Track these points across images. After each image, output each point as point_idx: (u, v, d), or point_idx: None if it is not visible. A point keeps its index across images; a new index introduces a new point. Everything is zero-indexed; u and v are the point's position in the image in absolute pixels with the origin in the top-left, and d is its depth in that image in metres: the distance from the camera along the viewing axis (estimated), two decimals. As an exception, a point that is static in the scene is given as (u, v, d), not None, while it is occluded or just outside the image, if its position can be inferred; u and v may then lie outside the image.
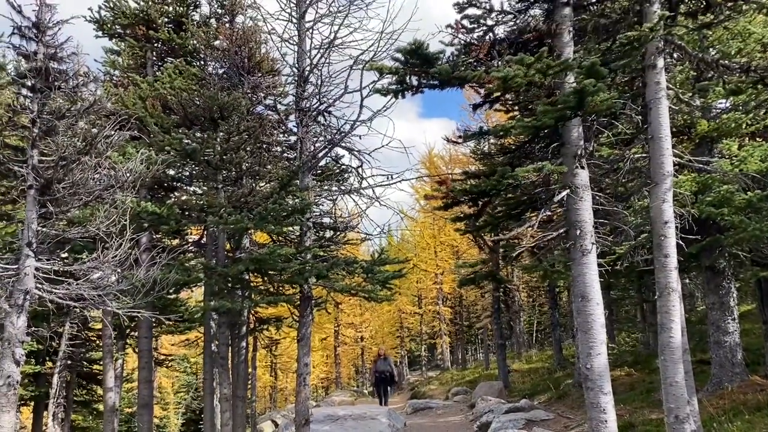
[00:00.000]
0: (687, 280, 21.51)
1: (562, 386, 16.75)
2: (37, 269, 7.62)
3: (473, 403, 17.76)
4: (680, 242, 8.25)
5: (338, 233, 11.28)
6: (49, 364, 20.43)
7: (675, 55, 8.85)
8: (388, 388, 19.50)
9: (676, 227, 8.07)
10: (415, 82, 7.52)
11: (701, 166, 9.56)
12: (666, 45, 7.88)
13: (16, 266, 7.56)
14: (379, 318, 36.53)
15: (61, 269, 7.84)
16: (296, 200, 10.24)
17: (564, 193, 7.45)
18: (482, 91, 7.80)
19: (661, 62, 7.70)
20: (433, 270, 32.34)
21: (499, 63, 7.47)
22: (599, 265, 7.67)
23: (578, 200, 7.43)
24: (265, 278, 11.46)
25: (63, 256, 9.20)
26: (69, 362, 19.14)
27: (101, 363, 16.30)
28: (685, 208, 8.89)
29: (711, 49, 12.11)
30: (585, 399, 7.43)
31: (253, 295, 12.02)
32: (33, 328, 8.32)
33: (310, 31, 10.79)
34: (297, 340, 10.36)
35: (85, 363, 21.68)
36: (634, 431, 10.66)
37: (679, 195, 9.15)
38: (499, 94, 7.62)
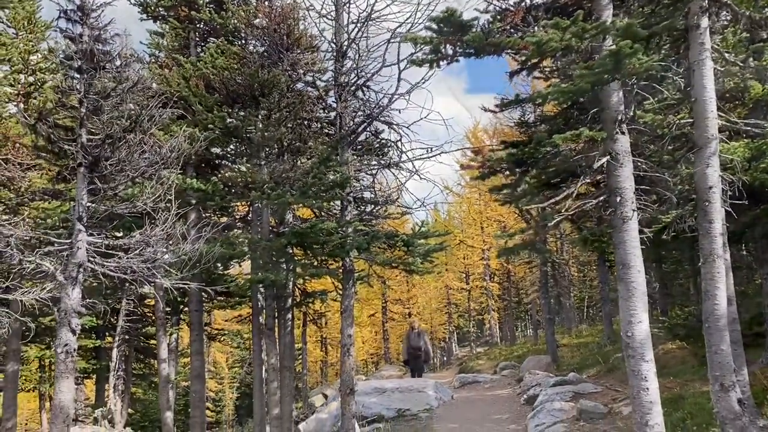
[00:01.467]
0: (744, 252, 20.72)
1: (611, 360, 16.51)
2: (89, 243, 7.99)
3: (521, 377, 17.70)
4: (729, 209, 7.99)
5: (378, 207, 11.35)
6: (109, 339, 21.43)
7: (722, 15, 8.49)
8: (423, 366, 18.90)
9: (726, 194, 7.82)
10: (450, 51, 7.43)
11: (757, 130, 9.18)
12: (711, 4, 7.58)
13: (70, 240, 7.94)
14: (426, 294, 36.62)
15: (112, 243, 8.19)
16: (336, 175, 10.34)
17: (604, 160, 7.27)
18: (519, 58, 7.67)
19: (705, 22, 7.41)
20: (479, 246, 32.11)
21: (535, 28, 7.32)
22: (642, 233, 7.50)
23: (618, 167, 7.24)
24: (308, 252, 11.65)
25: (118, 235, 9.57)
26: (127, 337, 20.04)
27: (156, 337, 16.96)
28: (736, 174, 8.58)
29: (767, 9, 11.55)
30: (626, 367, 7.33)
31: (296, 268, 12.26)
32: (89, 300, 8.72)
33: (347, 5, 10.75)
34: (340, 312, 10.53)
35: (142, 338, 22.63)
36: (684, 403, 10.48)
37: (730, 162, 8.84)
38: (535, 60, 7.48)
